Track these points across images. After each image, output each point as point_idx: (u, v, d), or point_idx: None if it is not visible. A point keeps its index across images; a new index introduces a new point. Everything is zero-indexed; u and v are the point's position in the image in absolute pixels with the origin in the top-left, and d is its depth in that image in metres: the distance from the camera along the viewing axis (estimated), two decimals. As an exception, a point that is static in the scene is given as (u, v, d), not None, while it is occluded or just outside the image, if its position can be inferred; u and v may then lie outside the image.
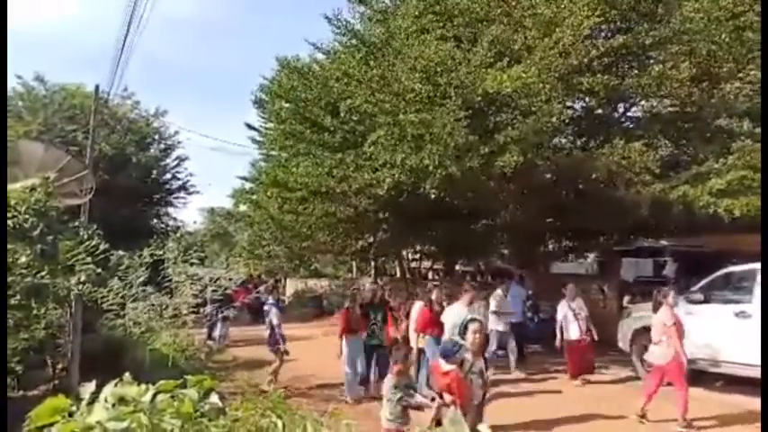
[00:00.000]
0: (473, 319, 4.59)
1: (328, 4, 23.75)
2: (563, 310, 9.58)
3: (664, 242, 15.02)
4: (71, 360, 7.59)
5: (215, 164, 61.62)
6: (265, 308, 9.88)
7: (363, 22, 13.46)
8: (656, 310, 7.18)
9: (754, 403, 7.35)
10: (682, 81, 10.08)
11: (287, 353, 9.58)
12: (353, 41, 13.06)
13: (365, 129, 11.68)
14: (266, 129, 18.86)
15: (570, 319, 9.42)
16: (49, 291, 6.24)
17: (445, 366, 4.33)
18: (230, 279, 10.85)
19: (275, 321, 9.60)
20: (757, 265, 8.36)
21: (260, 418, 3.05)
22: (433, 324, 8.14)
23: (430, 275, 25.76)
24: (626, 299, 12.05)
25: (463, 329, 4.49)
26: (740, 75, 10.36)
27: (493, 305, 10.49)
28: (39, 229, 5.80)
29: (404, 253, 22.79)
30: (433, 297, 8.41)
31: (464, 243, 15.66)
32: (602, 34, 11.19)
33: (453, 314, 7.56)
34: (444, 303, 8.49)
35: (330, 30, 13.28)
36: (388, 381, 4.69)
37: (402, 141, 10.45)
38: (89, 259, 6.61)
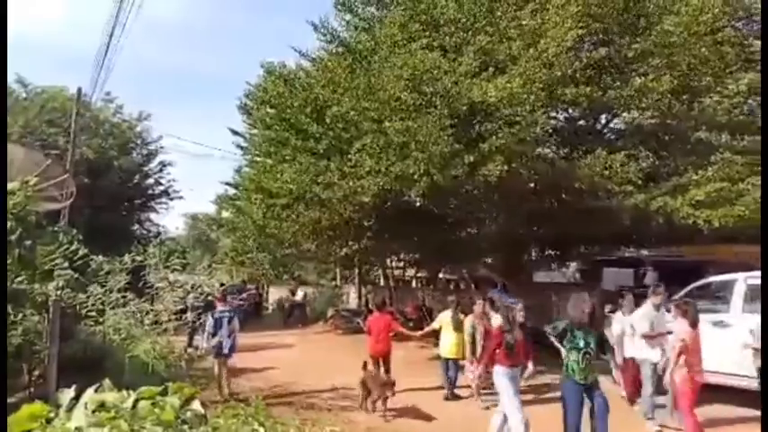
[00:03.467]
0: None
1: (313, 9, 23.75)
2: (619, 324, 8.37)
3: (644, 252, 15.23)
4: (48, 367, 7.45)
5: (198, 169, 61.22)
6: (217, 316, 9.60)
7: (350, 30, 13.50)
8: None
9: (735, 411, 7.49)
10: (662, 93, 10.28)
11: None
12: (340, 49, 13.09)
13: (351, 136, 11.69)
14: (251, 135, 18.81)
15: (627, 335, 8.11)
16: (26, 297, 6.12)
17: None
18: (222, 285, 10.70)
19: (237, 329, 9.61)
20: (735, 276, 8.53)
21: (242, 425, 3.01)
22: None
23: (414, 283, 25.83)
24: (607, 308, 12.15)
25: None
26: (719, 88, 10.59)
27: (644, 325, 7.73)
28: (17, 233, 5.69)
29: (388, 261, 22.80)
30: None
31: (448, 251, 15.71)
32: (586, 46, 11.37)
33: None
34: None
35: (317, 37, 13.33)
36: None
37: (387, 149, 10.47)
38: (67, 264, 6.50)
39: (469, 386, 9.06)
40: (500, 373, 6.30)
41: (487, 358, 6.34)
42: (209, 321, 9.50)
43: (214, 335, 9.40)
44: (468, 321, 9.01)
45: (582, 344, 5.74)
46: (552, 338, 6.11)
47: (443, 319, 9.43)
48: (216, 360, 9.44)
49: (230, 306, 10.34)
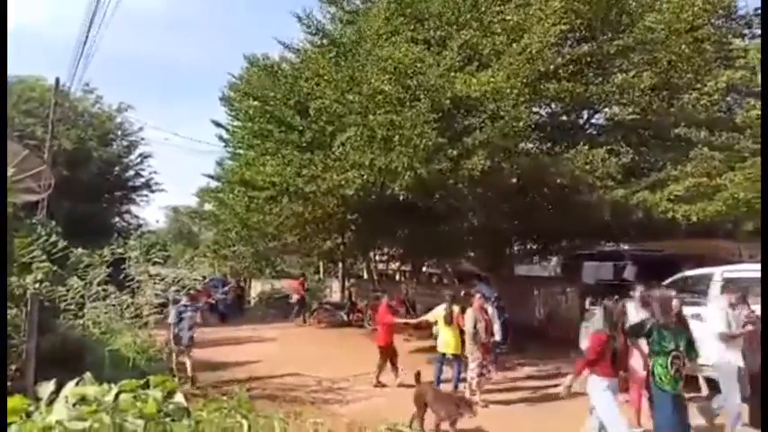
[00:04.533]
0: None
1: (299, 3, 23.56)
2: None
3: (624, 246, 15.43)
4: (26, 361, 7.33)
5: (179, 161, 60.57)
6: (181, 308, 9.65)
7: (334, 23, 13.43)
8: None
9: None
10: (643, 90, 10.41)
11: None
12: (324, 41, 13.01)
13: (334, 129, 11.65)
14: (234, 127, 18.63)
15: None
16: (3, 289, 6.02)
17: None
18: (203, 278, 10.68)
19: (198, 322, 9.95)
20: (712, 270, 8.70)
21: (225, 418, 3.00)
22: None
23: (397, 277, 25.89)
24: (588, 301, 12.28)
25: None
26: (698, 85, 10.75)
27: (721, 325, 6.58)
28: (-7, 225, 5.58)
29: (371, 254, 22.80)
30: None
31: (432, 245, 15.76)
32: (568, 42, 11.44)
33: None
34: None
35: (301, 29, 13.24)
36: None
37: (371, 142, 10.46)
38: (46, 257, 6.42)
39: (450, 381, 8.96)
40: (599, 387, 5.24)
41: (582, 366, 5.40)
42: (173, 312, 9.57)
43: (177, 325, 9.55)
44: (469, 314, 8.82)
45: (671, 346, 5.03)
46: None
47: (438, 314, 9.31)
48: (176, 349, 9.55)
49: (198, 302, 10.43)
